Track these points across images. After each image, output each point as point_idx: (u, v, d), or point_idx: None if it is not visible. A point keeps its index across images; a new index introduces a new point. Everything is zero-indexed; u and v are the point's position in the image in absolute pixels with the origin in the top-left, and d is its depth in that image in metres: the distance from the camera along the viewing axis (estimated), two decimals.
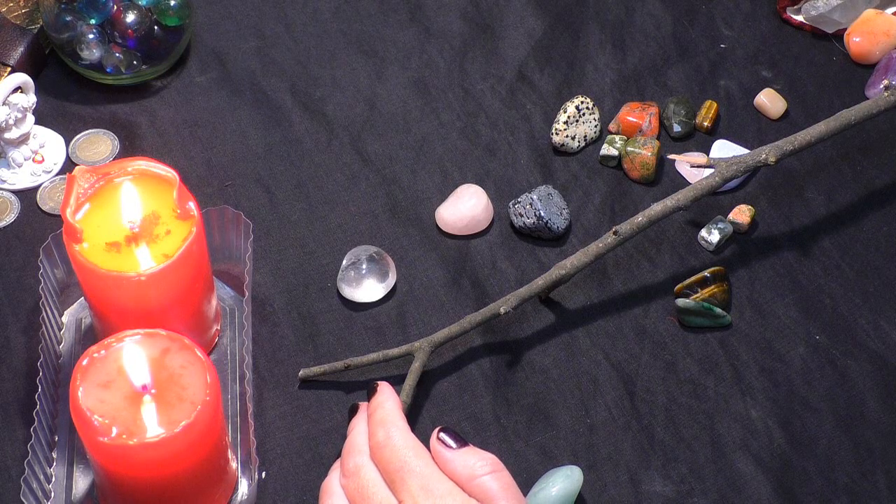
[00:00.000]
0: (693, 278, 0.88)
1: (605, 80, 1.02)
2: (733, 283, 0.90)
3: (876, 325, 0.88)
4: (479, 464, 0.71)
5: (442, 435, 0.72)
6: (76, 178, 0.78)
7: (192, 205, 0.78)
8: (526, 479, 0.80)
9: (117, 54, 0.97)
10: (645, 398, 0.84)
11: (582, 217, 0.93)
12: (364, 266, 0.88)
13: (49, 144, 0.96)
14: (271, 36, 1.04)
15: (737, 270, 0.91)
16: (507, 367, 0.86)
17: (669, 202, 0.85)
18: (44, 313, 0.82)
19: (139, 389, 0.71)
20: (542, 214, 0.90)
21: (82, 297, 0.87)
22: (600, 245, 0.85)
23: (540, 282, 0.85)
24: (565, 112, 0.97)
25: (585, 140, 0.98)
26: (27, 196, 0.94)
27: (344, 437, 0.77)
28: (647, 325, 0.88)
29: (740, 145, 0.97)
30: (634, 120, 0.97)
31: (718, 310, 0.87)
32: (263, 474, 0.80)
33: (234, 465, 0.79)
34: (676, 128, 0.98)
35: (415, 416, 0.83)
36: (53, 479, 0.79)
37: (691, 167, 0.92)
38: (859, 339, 0.87)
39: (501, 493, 0.70)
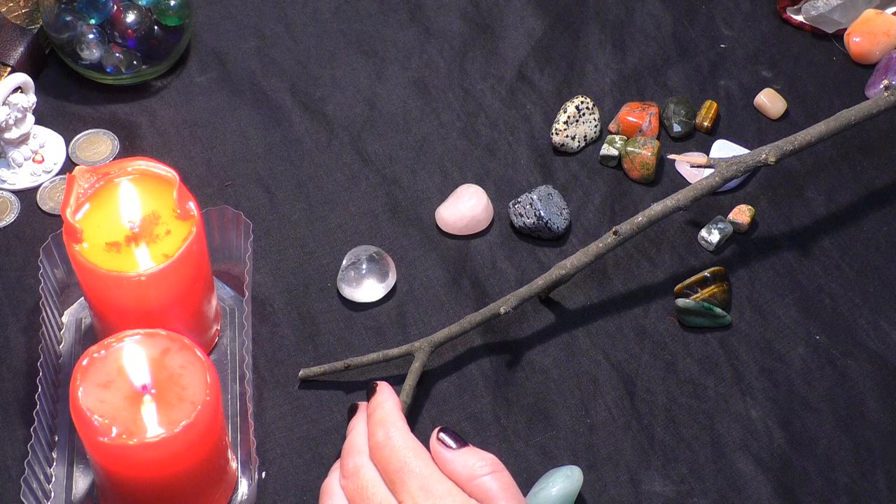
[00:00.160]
0: (693, 278, 0.88)
1: (605, 80, 1.02)
2: (733, 283, 0.90)
3: (876, 325, 0.88)
4: (478, 464, 0.71)
5: (442, 435, 0.72)
6: (76, 178, 0.78)
7: (192, 205, 0.78)
8: (526, 479, 0.80)
9: (117, 54, 0.97)
10: (645, 398, 0.84)
11: (582, 217, 0.93)
12: (364, 266, 0.88)
13: (49, 144, 0.96)
14: (271, 36, 1.04)
15: (737, 270, 0.91)
16: (507, 367, 0.86)
17: (669, 202, 0.85)
18: (44, 313, 0.82)
19: (139, 389, 0.71)
20: (542, 214, 0.90)
21: (82, 297, 0.87)
22: (600, 245, 0.85)
23: (540, 282, 0.85)
24: (565, 112, 0.97)
25: (585, 140, 0.98)
26: (27, 196, 0.94)
27: (344, 437, 0.77)
28: (647, 325, 0.88)
29: (740, 145, 0.97)
30: (634, 120, 0.97)
31: (718, 310, 0.87)
32: (263, 474, 0.80)
33: (234, 465, 0.79)
34: (676, 128, 0.98)
35: (415, 416, 0.83)
36: (53, 479, 0.79)
37: (691, 167, 0.92)
38: (859, 339, 0.87)
39: (501, 493, 0.70)
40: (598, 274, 0.90)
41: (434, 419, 0.83)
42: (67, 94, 0.99)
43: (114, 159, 0.96)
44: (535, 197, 0.91)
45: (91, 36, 0.96)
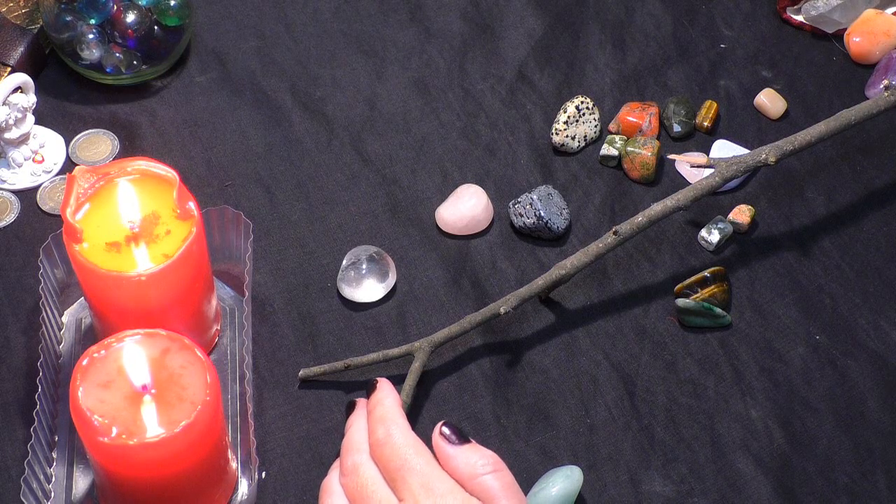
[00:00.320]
0: (693, 278, 0.88)
1: (605, 80, 1.02)
2: (733, 283, 0.90)
3: (876, 325, 0.88)
4: (480, 462, 0.71)
5: (444, 429, 0.72)
6: (76, 178, 0.78)
7: (192, 205, 0.78)
8: (526, 479, 0.80)
9: (117, 54, 0.97)
10: (645, 398, 0.84)
11: (582, 217, 0.93)
12: (364, 266, 0.88)
13: (49, 144, 0.96)
14: (271, 36, 1.04)
15: (737, 270, 0.91)
16: (507, 367, 0.86)
17: (669, 202, 0.85)
18: (44, 313, 0.82)
19: (139, 389, 0.71)
20: (542, 214, 0.90)
21: (82, 297, 0.87)
22: (600, 245, 0.85)
23: (540, 282, 0.85)
24: (565, 112, 0.97)
25: (585, 140, 0.98)
26: (27, 196, 0.94)
27: (343, 435, 0.77)
28: (647, 325, 0.88)
29: (740, 145, 0.97)
30: (634, 120, 0.97)
31: (718, 310, 0.87)
32: (263, 474, 0.80)
33: (234, 465, 0.79)
34: (676, 128, 0.98)
35: (415, 415, 0.83)
36: (53, 479, 0.79)
37: (691, 167, 0.92)
38: (859, 339, 0.87)
39: (502, 492, 0.70)
40: (598, 274, 0.90)
41: (434, 419, 0.83)
42: (67, 94, 0.99)
43: (114, 159, 0.96)
44: (535, 197, 0.91)
45: (91, 36, 0.96)
